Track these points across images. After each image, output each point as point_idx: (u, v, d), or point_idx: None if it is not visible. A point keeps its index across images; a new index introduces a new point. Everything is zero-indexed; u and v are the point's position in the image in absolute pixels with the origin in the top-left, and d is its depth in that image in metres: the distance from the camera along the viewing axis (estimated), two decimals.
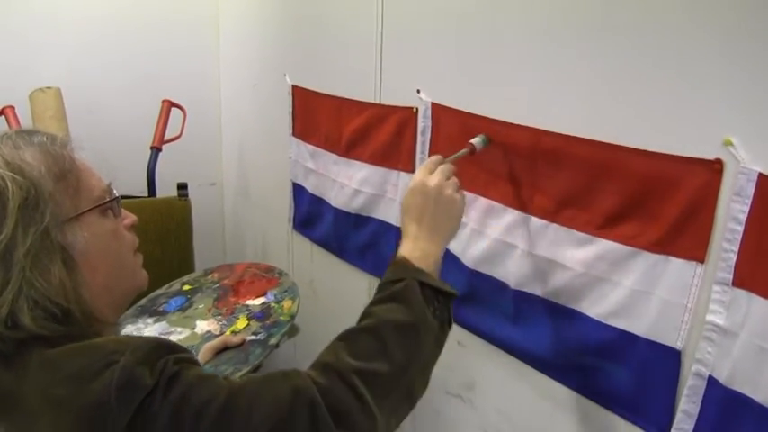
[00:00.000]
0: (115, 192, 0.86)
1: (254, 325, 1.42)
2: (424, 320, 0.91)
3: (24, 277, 0.72)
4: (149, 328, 1.47)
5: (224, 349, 1.31)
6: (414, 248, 1.00)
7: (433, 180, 1.05)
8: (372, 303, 0.93)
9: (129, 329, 1.44)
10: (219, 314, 1.50)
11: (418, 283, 0.92)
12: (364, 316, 0.92)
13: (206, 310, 1.53)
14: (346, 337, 0.88)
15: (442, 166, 1.08)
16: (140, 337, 0.76)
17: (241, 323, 1.44)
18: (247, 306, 1.52)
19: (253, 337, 1.35)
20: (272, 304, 1.56)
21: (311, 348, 1.57)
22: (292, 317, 1.51)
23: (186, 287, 1.68)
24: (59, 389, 0.70)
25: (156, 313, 1.53)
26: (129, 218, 0.89)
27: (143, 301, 1.61)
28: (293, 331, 1.51)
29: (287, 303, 1.56)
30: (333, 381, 0.80)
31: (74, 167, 0.80)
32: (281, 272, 1.72)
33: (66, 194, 0.77)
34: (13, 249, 0.72)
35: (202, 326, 1.43)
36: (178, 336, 1.42)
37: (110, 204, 0.84)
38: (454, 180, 1.08)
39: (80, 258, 0.78)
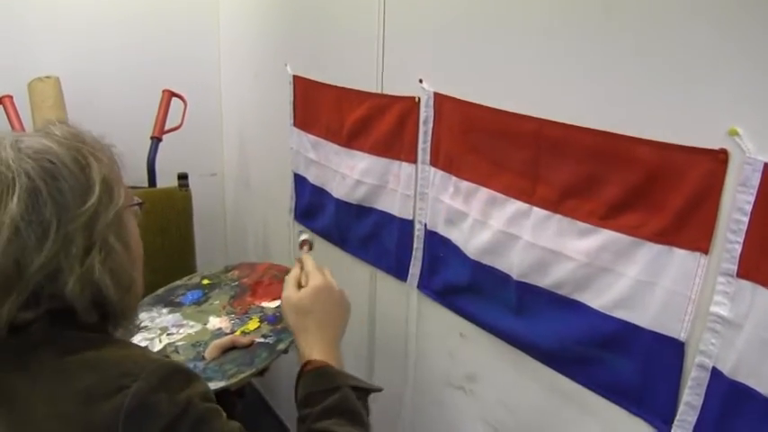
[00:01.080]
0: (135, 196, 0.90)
1: (265, 328, 1.42)
2: (367, 424, 0.96)
3: (108, 244, 0.76)
4: (162, 318, 1.46)
5: (231, 348, 1.31)
6: (321, 351, 1.02)
7: (334, 281, 1.12)
8: (317, 418, 0.92)
9: (143, 317, 1.44)
10: (233, 312, 1.50)
11: (351, 389, 0.96)
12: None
13: (221, 306, 1.53)
14: None
15: (324, 269, 1.14)
16: (156, 359, 0.75)
17: (252, 324, 1.44)
18: (262, 308, 1.52)
19: (261, 340, 1.35)
20: None
21: None
22: None
23: (205, 281, 1.68)
24: (68, 404, 0.69)
25: (172, 304, 1.53)
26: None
27: (161, 291, 1.61)
28: None
29: None
30: None
31: (118, 165, 0.84)
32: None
33: (120, 185, 0.81)
34: (97, 218, 0.75)
35: (214, 322, 1.43)
36: (189, 329, 1.42)
37: (136, 207, 0.89)
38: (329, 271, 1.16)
39: (133, 245, 0.83)
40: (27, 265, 0.71)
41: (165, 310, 1.49)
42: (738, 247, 0.87)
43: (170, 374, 0.72)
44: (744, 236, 0.86)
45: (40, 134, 0.78)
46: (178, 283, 1.70)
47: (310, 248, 1.29)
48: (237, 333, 1.36)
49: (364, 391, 0.99)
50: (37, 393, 0.71)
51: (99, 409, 0.68)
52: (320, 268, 1.14)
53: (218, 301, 1.58)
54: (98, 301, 0.76)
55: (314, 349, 1.02)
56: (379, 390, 1.03)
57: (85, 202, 0.74)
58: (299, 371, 1.01)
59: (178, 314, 1.48)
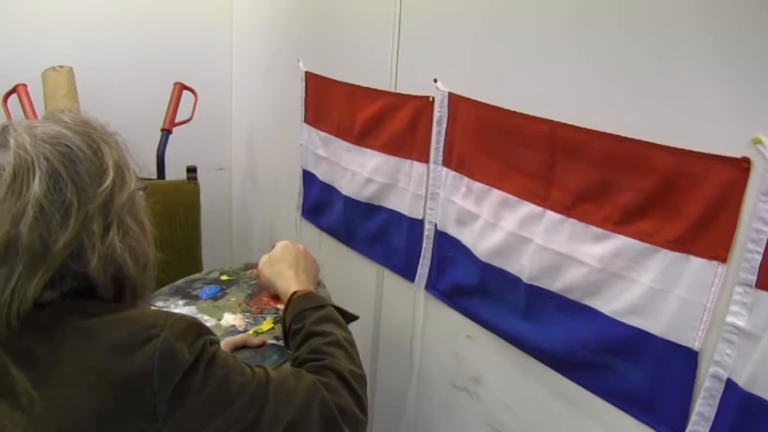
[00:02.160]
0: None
1: (278, 330, 1.41)
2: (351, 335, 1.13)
3: (124, 223, 0.80)
4: (178, 310, 1.46)
5: (242, 347, 1.30)
6: (303, 285, 1.24)
7: (299, 245, 1.37)
8: (312, 325, 1.10)
9: (159, 306, 1.44)
10: (248, 311, 1.50)
11: (335, 309, 1.16)
12: (315, 334, 1.08)
13: (237, 303, 1.53)
14: (320, 351, 1.04)
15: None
16: (173, 313, 0.81)
17: (266, 325, 1.43)
18: (277, 309, 1.51)
19: (273, 342, 1.34)
20: None
21: None
22: None
23: (224, 277, 1.68)
24: (100, 360, 0.74)
25: (189, 296, 1.53)
26: None
27: (180, 282, 1.61)
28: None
29: None
30: (333, 381, 0.96)
31: (125, 152, 0.88)
32: (319, 282, 1.73)
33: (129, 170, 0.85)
34: (113, 199, 0.79)
35: (228, 319, 1.43)
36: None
37: (145, 187, 0.92)
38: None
39: (147, 225, 0.87)
40: (53, 243, 0.74)
41: (181, 302, 1.49)
42: (759, 258, 0.86)
43: (188, 326, 0.79)
44: (765, 246, 0.85)
45: (50, 121, 0.80)
46: (197, 276, 1.69)
47: None
48: (251, 332, 1.35)
49: (346, 316, 1.19)
50: (64, 356, 0.74)
51: (132, 359, 0.73)
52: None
53: (234, 298, 1.57)
54: (118, 278, 0.80)
55: (292, 287, 1.22)
56: (356, 317, 1.24)
57: (101, 184, 0.78)
58: (285, 304, 1.21)
59: (194, 308, 1.48)
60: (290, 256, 1.31)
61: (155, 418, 0.72)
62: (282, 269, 1.28)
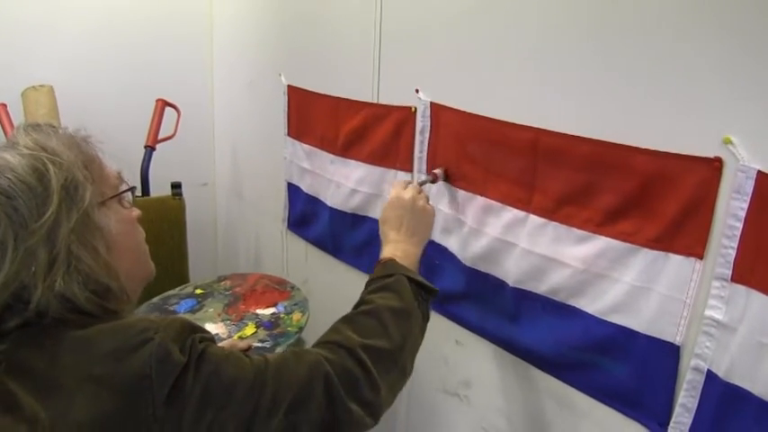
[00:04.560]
0: (127, 181, 0.90)
1: (262, 333, 1.44)
2: (414, 309, 1.04)
3: (72, 253, 0.76)
4: None
5: None
6: (395, 249, 1.15)
7: (407, 194, 1.24)
8: (367, 293, 1.04)
9: None
10: (228, 319, 1.52)
11: (406, 279, 1.06)
12: (362, 303, 1.02)
13: (215, 314, 1.55)
14: (349, 320, 0.99)
15: (413, 184, 1.28)
16: (165, 317, 0.80)
17: (249, 330, 1.46)
18: (257, 314, 1.54)
19: (259, 344, 1.36)
20: (282, 315, 1.59)
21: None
22: (300, 329, 1.53)
23: (198, 291, 1.70)
24: (96, 367, 0.73)
25: (167, 312, 1.55)
26: (136, 211, 0.93)
27: (156, 299, 1.62)
28: (300, 344, 1.53)
29: (296, 316, 1.58)
30: (342, 356, 0.89)
31: (96, 156, 0.85)
32: (293, 286, 1.76)
33: (93, 181, 0.81)
34: (58, 228, 0.75)
35: (211, 328, 1.45)
36: None
37: (127, 193, 0.89)
38: (424, 194, 1.28)
39: (113, 241, 0.82)
40: None
41: None
42: (733, 253, 0.90)
43: (181, 327, 0.78)
44: (738, 241, 0.89)
45: (3, 148, 0.78)
46: (171, 292, 1.71)
47: (434, 181, 1.42)
48: (235, 338, 1.37)
49: (424, 289, 1.08)
50: (60, 366, 0.74)
51: (130, 363, 0.73)
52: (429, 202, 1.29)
53: (212, 309, 1.59)
54: (72, 308, 0.77)
55: (385, 252, 1.16)
56: (436, 291, 1.11)
57: (43, 214, 0.74)
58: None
59: None
60: (394, 214, 1.22)
61: (154, 419, 0.72)
62: (386, 230, 1.21)
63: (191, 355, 0.76)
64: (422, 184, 1.35)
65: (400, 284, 1.04)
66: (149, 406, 0.72)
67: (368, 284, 1.07)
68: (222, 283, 1.75)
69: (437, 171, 1.42)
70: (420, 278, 1.09)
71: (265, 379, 0.81)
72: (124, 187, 0.89)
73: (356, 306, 1.02)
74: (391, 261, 1.10)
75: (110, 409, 0.71)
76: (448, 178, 1.42)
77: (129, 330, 0.76)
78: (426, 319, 1.08)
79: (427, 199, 1.27)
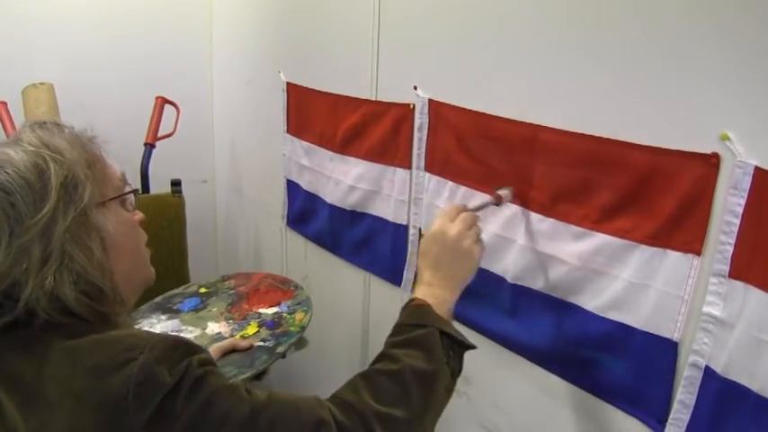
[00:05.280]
0: (130, 184, 0.90)
1: (264, 332, 1.44)
2: (442, 370, 0.91)
3: (65, 252, 0.75)
4: (161, 324, 1.48)
5: (231, 351, 1.32)
6: (428, 294, 1.00)
7: (453, 229, 1.04)
8: (393, 345, 0.92)
9: (142, 324, 1.45)
10: (231, 318, 1.52)
11: (439, 332, 0.93)
12: (385, 357, 0.91)
13: (218, 313, 1.55)
14: (369, 378, 0.88)
15: (464, 215, 1.07)
16: (158, 335, 0.76)
17: (251, 329, 1.46)
18: (260, 314, 1.54)
19: (261, 344, 1.37)
20: (285, 315, 1.59)
21: (306, 347, 1.57)
22: (303, 328, 1.53)
23: (202, 290, 1.71)
24: (79, 381, 0.71)
25: (170, 311, 1.55)
26: (139, 215, 0.91)
27: (159, 299, 1.63)
28: (302, 344, 1.53)
29: (299, 315, 1.59)
30: (353, 421, 0.80)
31: (100, 156, 0.84)
32: (296, 285, 1.76)
33: (95, 181, 0.80)
34: (54, 225, 0.74)
35: (213, 327, 1.45)
36: (189, 335, 1.44)
37: (129, 195, 0.88)
38: (476, 230, 1.07)
39: (110, 243, 0.81)
40: None
41: (163, 317, 1.50)
42: (730, 249, 0.89)
43: (172, 347, 0.74)
44: (735, 237, 0.89)
45: (7, 144, 0.78)
46: (175, 291, 1.71)
47: (497, 203, 1.22)
48: (237, 337, 1.37)
49: (458, 344, 0.96)
50: (46, 376, 0.72)
51: (109, 382, 0.70)
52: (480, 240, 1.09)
53: (215, 308, 1.60)
54: (61, 308, 0.75)
55: (417, 292, 1.02)
56: (473, 347, 0.98)
57: (40, 210, 0.74)
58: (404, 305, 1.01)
59: (176, 320, 1.50)
60: (433, 251, 1.05)
61: None
62: (422, 266, 1.05)
63: (183, 378, 0.72)
64: (479, 209, 1.15)
65: (431, 340, 0.92)
66: (125, 428, 0.68)
67: (396, 331, 0.96)
68: (226, 282, 1.76)
69: (502, 192, 1.22)
70: (455, 332, 0.96)
71: (258, 422, 0.74)
72: (127, 189, 0.88)
73: (380, 358, 0.92)
74: (425, 307, 0.97)
75: (87, 427, 0.69)
76: (520, 201, 1.24)
77: (117, 347, 0.73)
78: (455, 376, 0.96)
79: (478, 236, 1.08)
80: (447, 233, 1.04)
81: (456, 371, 0.95)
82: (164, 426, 0.70)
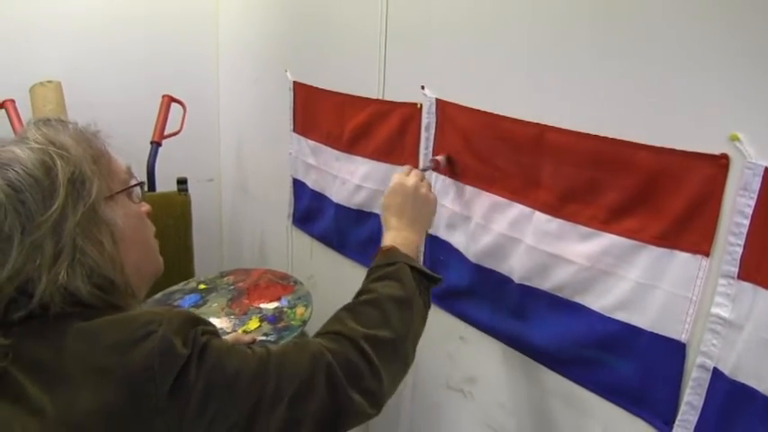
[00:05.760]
0: (136, 176, 0.91)
1: (266, 327, 1.44)
2: (416, 297, 1.04)
3: (77, 246, 0.76)
4: None
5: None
6: (397, 237, 1.14)
7: (410, 180, 1.22)
8: (369, 282, 1.04)
9: None
10: (232, 314, 1.53)
11: (408, 267, 1.05)
12: (364, 291, 1.02)
13: (219, 308, 1.56)
14: (351, 309, 0.98)
15: (416, 171, 1.27)
16: (171, 310, 0.80)
17: (253, 324, 1.46)
18: (260, 309, 1.55)
19: (263, 338, 1.37)
20: (286, 309, 1.60)
21: None
22: (304, 323, 1.54)
23: (202, 286, 1.72)
24: (101, 359, 0.73)
25: (171, 307, 1.55)
26: (146, 206, 0.93)
27: (159, 295, 1.63)
28: (303, 338, 1.54)
29: (300, 310, 1.59)
30: (344, 346, 0.90)
31: (105, 151, 0.86)
32: (296, 280, 1.77)
33: (101, 175, 0.82)
34: (64, 221, 0.76)
35: (215, 323, 1.45)
36: None
37: (136, 188, 0.90)
38: (427, 182, 1.26)
39: (120, 236, 0.83)
40: None
41: None
42: (739, 250, 0.89)
43: (184, 320, 0.78)
44: (745, 239, 0.88)
45: (14, 142, 0.79)
46: (174, 288, 1.72)
47: (436, 168, 1.43)
48: (239, 332, 1.38)
49: (426, 277, 1.08)
50: (66, 357, 0.74)
51: (133, 356, 0.73)
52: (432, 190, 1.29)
53: (216, 304, 1.60)
54: (75, 301, 0.77)
55: (386, 240, 1.15)
56: (441, 279, 1.11)
57: (49, 207, 0.75)
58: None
59: None
60: (396, 201, 1.20)
61: (157, 411, 0.72)
62: (387, 216, 1.20)
63: (193, 347, 0.76)
64: (424, 170, 1.34)
65: (402, 273, 1.04)
66: (152, 398, 0.72)
67: (369, 272, 1.07)
68: (225, 278, 1.76)
69: (439, 158, 1.42)
70: (421, 266, 1.09)
71: (268, 370, 0.81)
72: (133, 182, 0.89)
73: (358, 295, 1.03)
74: (393, 249, 1.10)
75: (114, 401, 0.72)
76: (451, 166, 1.42)
77: (133, 323, 0.76)
78: (427, 307, 1.09)
79: (430, 187, 1.26)
80: (405, 184, 1.22)
81: (427, 301, 1.09)
82: (184, 393, 0.74)
